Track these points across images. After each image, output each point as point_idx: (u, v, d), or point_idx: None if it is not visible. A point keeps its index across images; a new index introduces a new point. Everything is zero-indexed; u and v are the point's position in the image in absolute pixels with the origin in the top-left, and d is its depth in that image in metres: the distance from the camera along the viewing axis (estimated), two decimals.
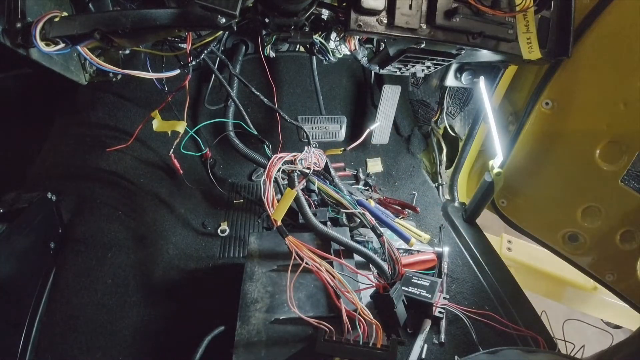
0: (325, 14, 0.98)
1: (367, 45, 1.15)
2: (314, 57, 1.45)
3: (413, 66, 1.08)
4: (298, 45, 1.54)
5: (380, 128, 1.47)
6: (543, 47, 0.96)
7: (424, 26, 0.85)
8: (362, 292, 0.86)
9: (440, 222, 1.40)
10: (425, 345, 0.95)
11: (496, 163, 1.26)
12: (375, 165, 1.62)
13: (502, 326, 0.97)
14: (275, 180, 0.97)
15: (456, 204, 1.51)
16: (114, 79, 1.14)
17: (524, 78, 1.27)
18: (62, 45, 0.72)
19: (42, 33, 0.70)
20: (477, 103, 1.39)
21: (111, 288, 1.07)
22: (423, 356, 0.93)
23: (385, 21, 0.83)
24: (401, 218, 1.31)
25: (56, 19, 0.71)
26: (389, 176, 1.63)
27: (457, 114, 1.54)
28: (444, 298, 1.05)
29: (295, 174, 0.91)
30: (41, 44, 0.70)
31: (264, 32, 1.13)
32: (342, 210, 1.08)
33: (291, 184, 0.87)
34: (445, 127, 1.58)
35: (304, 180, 0.92)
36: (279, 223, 0.82)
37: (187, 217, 1.29)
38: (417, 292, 0.98)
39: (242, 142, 1.32)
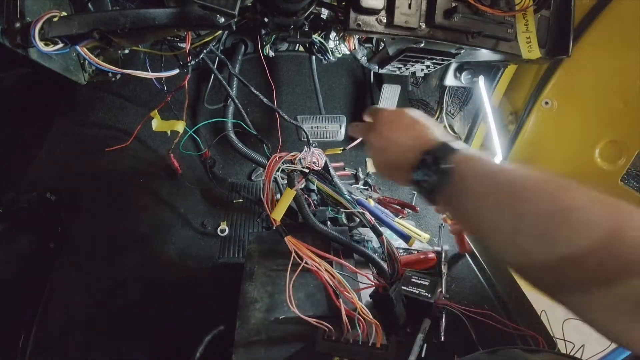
0: (324, 13, 0.98)
1: (366, 45, 1.15)
2: (314, 57, 1.45)
3: (412, 65, 1.08)
4: (297, 45, 1.53)
5: None
6: (542, 46, 0.96)
7: (423, 25, 0.85)
8: (362, 291, 0.86)
9: (439, 222, 1.40)
10: (425, 345, 0.95)
11: None
12: None
13: (501, 325, 0.97)
14: (275, 180, 0.97)
15: None
16: (113, 79, 1.14)
17: (524, 77, 1.27)
18: (61, 45, 0.72)
19: (41, 33, 0.70)
20: (477, 102, 1.39)
21: (111, 288, 1.07)
22: (423, 355, 0.93)
23: (385, 20, 0.83)
24: (401, 217, 1.31)
25: (55, 19, 0.71)
26: None
27: (456, 113, 1.54)
28: (444, 297, 1.05)
29: (295, 173, 0.91)
30: (40, 44, 0.70)
31: (263, 32, 1.12)
32: (341, 209, 1.08)
33: (290, 184, 0.87)
34: (444, 127, 1.58)
35: (303, 180, 0.92)
36: (279, 222, 0.82)
37: (186, 217, 1.29)
38: (417, 292, 0.98)
39: (242, 141, 1.32)
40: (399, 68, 1.12)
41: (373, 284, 0.86)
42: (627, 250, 0.40)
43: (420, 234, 1.10)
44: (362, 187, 1.48)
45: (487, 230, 0.51)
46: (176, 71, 0.92)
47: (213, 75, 1.28)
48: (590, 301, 0.43)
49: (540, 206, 0.46)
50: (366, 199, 1.13)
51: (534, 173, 0.49)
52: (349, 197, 1.03)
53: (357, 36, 1.08)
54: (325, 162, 1.10)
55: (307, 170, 0.94)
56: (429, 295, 0.97)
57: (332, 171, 1.12)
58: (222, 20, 0.73)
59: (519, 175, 0.50)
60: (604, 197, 0.44)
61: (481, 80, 1.30)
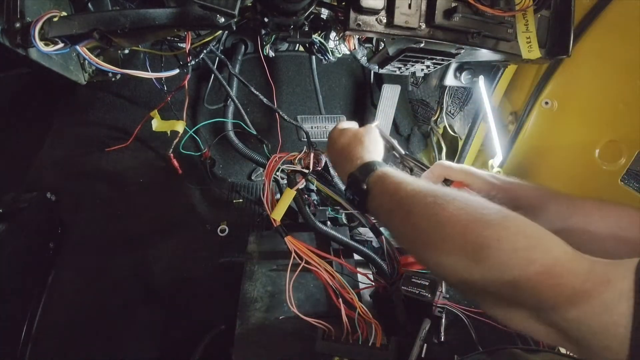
0: (324, 13, 0.98)
1: (366, 45, 1.14)
2: (314, 57, 1.45)
3: (412, 65, 1.08)
4: (297, 45, 1.53)
5: (379, 127, 1.47)
6: (542, 46, 0.96)
7: (423, 25, 0.85)
8: (362, 291, 0.86)
9: None
10: (425, 345, 0.95)
11: (495, 162, 1.26)
12: None
13: (502, 325, 0.97)
14: (276, 180, 0.97)
15: None
16: (113, 79, 1.14)
17: (524, 77, 1.27)
18: (61, 45, 0.72)
19: (41, 33, 0.70)
20: (477, 102, 1.39)
21: (111, 288, 1.07)
22: (422, 355, 0.93)
23: (385, 20, 0.83)
24: None
25: (55, 19, 0.71)
26: None
27: (456, 113, 1.54)
28: (444, 297, 1.04)
29: (295, 173, 0.91)
30: (40, 44, 0.70)
31: (263, 32, 1.12)
32: (341, 210, 1.08)
33: (290, 184, 0.87)
34: (444, 127, 1.58)
35: (303, 180, 0.92)
36: (278, 223, 0.82)
37: (186, 217, 1.29)
38: (417, 292, 0.97)
39: (242, 141, 1.32)
40: (399, 68, 1.12)
41: (373, 284, 0.86)
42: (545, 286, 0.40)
43: None
44: None
45: (401, 240, 0.58)
46: (176, 71, 0.92)
47: (213, 75, 1.28)
48: (510, 315, 0.46)
49: (421, 217, 0.51)
50: None
51: (423, 187, 0.55)
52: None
53: (357, 36, 1.08)
54: (326, 162, 1.10)
55: (306, 171, 0.94)
56: (429, 295, 0.97)
57: (332, 171, 1.11)
58: (222, 20, 0.73)
59: (411, 190, 0.55)
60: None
61: (481, 80, 1.30)
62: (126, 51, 1.10)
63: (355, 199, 0.66)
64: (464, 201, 0.48)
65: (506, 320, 0.46)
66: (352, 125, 0.88)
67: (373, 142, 0.74)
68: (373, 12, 0.81)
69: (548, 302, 0.39)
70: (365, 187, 0.63)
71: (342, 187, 1.09)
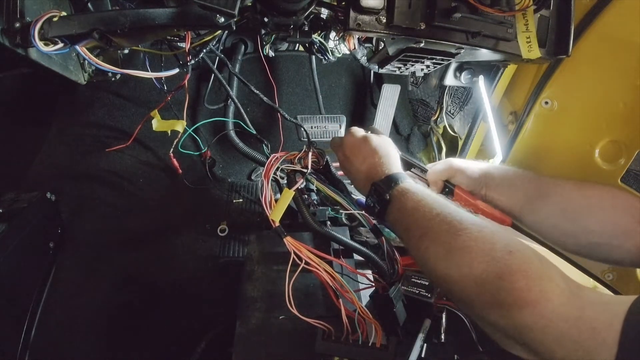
0: (324, 13, 0.98)
1: (366, 45, 1.14)
2: (313, 57, 1.45)
3: (412, 65, 1.08)
4: (297, 45, 1.53)
5: (379, 127, 1.47)
6: (542, 46, 0.96)
7: (423, 25, 0.85)
8: (362, 291, 0.86)
9: None
10: (425, 345, 0.95)
11: (495, 162, 1.26)
12: None
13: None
14: (276, 180, 0.97)
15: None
16: (113, 79, 1.14)
17: (524, 77, 1.27)
18: (61, 45, 0.72)
19: (40, 33, 0.70)
20: (477, 102, 1.39)
21: (110, 288, 1.07)
22: (422, 355, 0.93)
23: (384, 20, 0.83)
24: None
25: (55, 19, 0.71)
26: None
27: (456, 113, 1.54)
28: (444, 297, 1.04)
29: (295, 173, 0.91)
30: (40, 44, 0.70)
31: (263, 32, 1.12)
32: (341, 209, 1.07)
33: (290, 184, 0.87)
34: (444, 126, 1.58)
35: (302, 180, 0.92)
36: (277, 223, 0.81)
37: (186, 217, 1.29)
38: (417, 292, 0.97)
39: (242, 141, 1.32)
40: (399, 68, 1.12)
41: (373, 284, 0.86)
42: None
43: None
44: None
45: (413, 255, 0.62)
46: (176, 71, 0.92)
47: (213, 75, 1.28)
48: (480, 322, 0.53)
49: (433, 242, 0.55)
50: None
51: (441, 211, 0.58)
52: (348, 199, 1.03)
53: (357, 36, 1.08)
54: (327, 162, 1.10)
55: (306, 170, 0.93)
56: (429, 295, 0.97)
57: (333, 170, 1.11)
58: (222, 20, 0.73)
59: (428, 213, 0.59)
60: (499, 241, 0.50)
61: (481, 80, 1.30)
62: (126, 51, 1.10)
63: (376, 207, 0.70)
64: (476, 230, 0.52)
65: (504, 345, 0.51)
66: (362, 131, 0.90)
67: (396, 155, 0.78)
68: (373, 12, 0.81)
69: (536, 343, 0.43)
70: (387, 197, 0.67)
71: (344, 186, 1.09)
